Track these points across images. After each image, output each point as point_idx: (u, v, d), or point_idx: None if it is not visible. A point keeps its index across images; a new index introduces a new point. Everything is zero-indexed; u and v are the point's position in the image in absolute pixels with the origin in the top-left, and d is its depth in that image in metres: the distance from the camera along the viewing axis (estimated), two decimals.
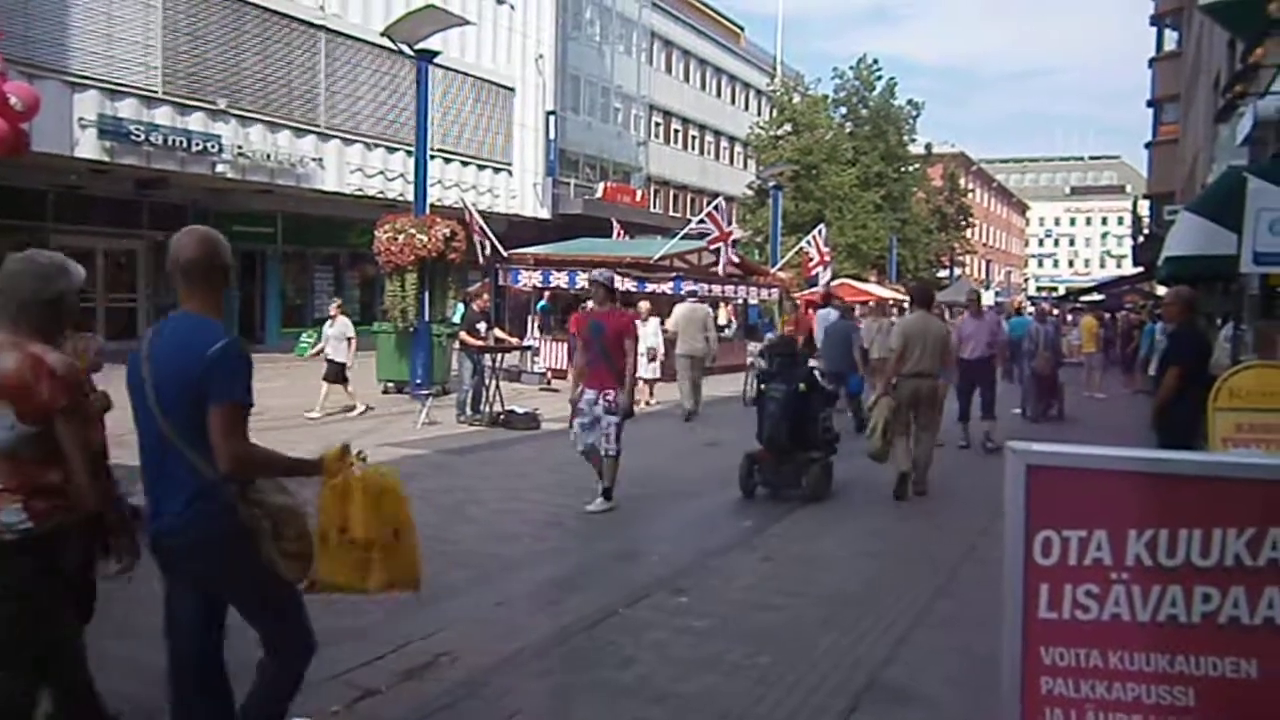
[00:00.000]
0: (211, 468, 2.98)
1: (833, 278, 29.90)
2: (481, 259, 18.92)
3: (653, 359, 15.47)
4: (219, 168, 20.87)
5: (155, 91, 19.62)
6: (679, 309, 16.17)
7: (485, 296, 15.03)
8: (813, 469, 8.77)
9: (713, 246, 20.95)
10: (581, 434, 7.98)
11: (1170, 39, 31.13)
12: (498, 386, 13.36)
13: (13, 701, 3.14)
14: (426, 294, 15.90)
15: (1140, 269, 31.92)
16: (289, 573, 3.13)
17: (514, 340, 15.82)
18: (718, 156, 49.68)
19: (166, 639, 3.24)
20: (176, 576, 3.19)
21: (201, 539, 3.06)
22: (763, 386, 9.08)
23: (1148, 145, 32.14)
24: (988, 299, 44.12)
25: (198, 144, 20.18)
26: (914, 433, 9.01)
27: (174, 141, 19.71)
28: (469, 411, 13.33)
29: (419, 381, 15.27)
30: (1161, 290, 22.04)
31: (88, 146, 18.45)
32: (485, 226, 19.01)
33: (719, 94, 49.59)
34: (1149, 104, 32.03)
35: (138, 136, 19.01)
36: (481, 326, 14.05)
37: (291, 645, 3.27)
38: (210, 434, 2.95)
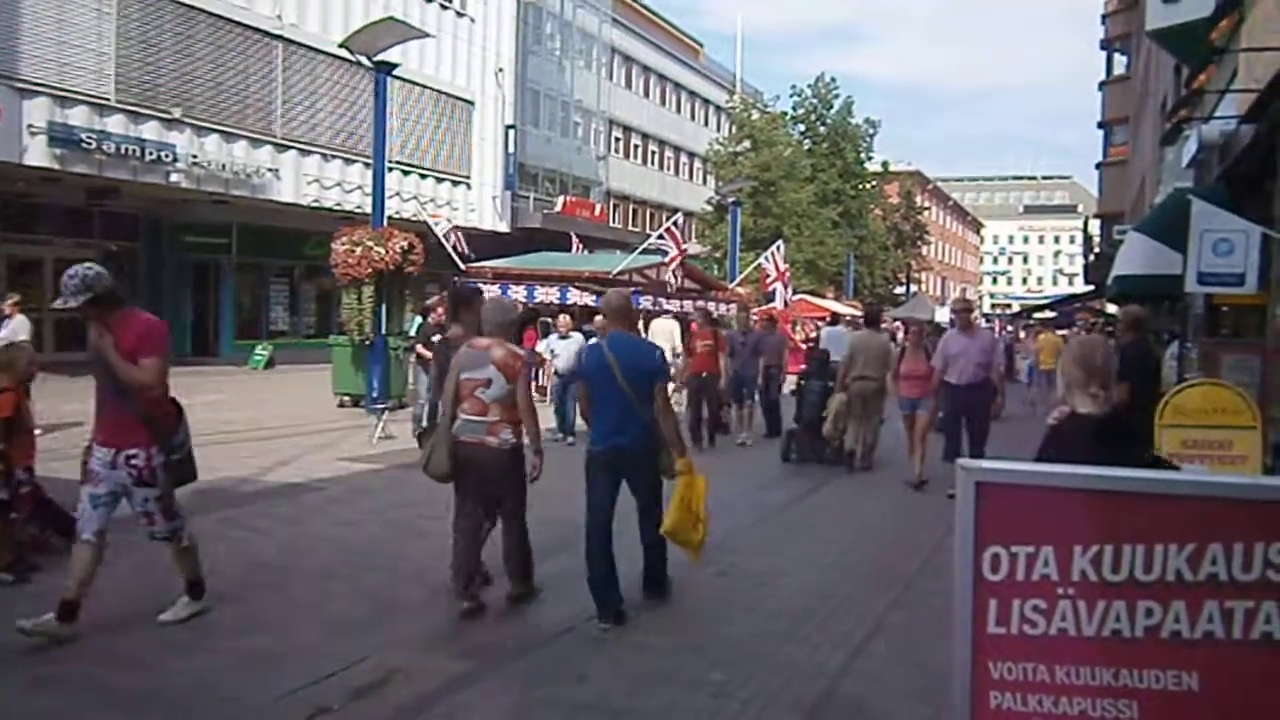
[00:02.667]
0: (648, 413, 5.67)
1: (793, 293, 30.10)
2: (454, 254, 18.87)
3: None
4: (173, 177, 20.58)
5: (108, 99, 19.33)
6: (655, 324, 16.82)
7: (440, 310, 14.78)
8: (833, 442, 11.47)
9: (673, 265, 21.04)
10: (92, 513, 5.06)
11: (1120, 63, 31.84)
12: None
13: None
14: (384, 307, 15.79)
15: (1091, 287, 32.50)
16: (665, 472, 5.88)
17: None
18: (677, 172, 49.92)
19: (590, 511, 5.82)
20: (613, 473, 5.80)
21: (645, 448, 5.75)
22: (802, 383, 12.53)
23: (1098, 166, 32.79)
24: (943, 315, 44.54)
25: (151, 153, 19.90)
26: (863, 420, 11.34)
27: (127, 150, 19.42)
28: (425, 425, 13.19)
29: (375, 395, 15.13)
30: (1112, 308, 22.47)
31: (37, 154, 18.12)
32: (445, 241, 18.97)
33: (679, 110, 49.87)
34: (1099, 126, 32.69)
35: (89, 144, 18.71)
36: (438, 339, 13.86)
37: (656, 512, 5.91)
38: (655, 397, 5.71)
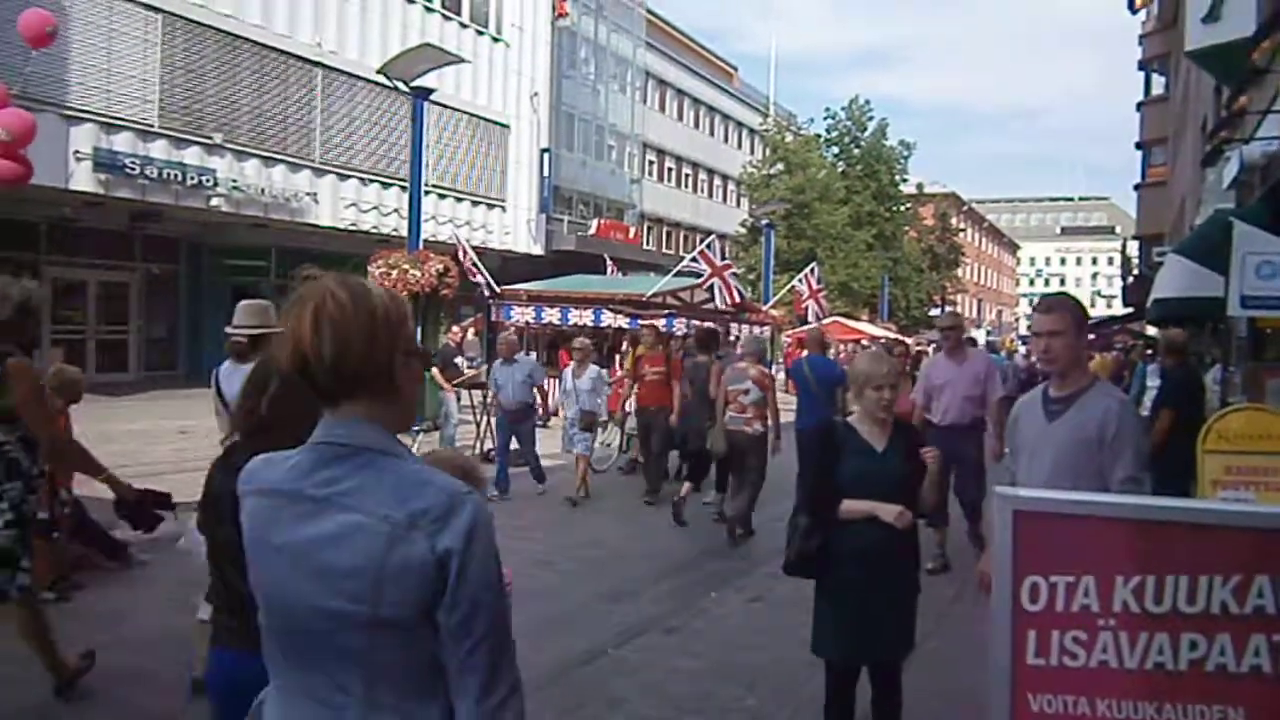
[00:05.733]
0: (830, 408, 8.47)
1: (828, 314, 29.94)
2: (479, 287, 18.89)
3: (588, 427, 10.70)
4: (213, 201, 20.90)
5: (151, 125, 19.69)
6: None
7: (455, 329, 14.64)
8: None
9: (706, 285, 20.90)
10: None
11: (1158, 83, 31.52)
12: (489, 423, 13.30)
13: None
14: (419, 329, 15.90)
15: (1130, 309, 32.10)
16: None
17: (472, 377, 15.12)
18: (711, 194, 49.99)
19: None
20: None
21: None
22: None
23: (1137, 187, 32.40)
24: (978, 336, 43.96)
25: (193, 178, 20.23)
26: None
27: (169, 175, 19.75)
28: (457, 448, 13.24)
29: None
30: (1152, 330, 22.13)
31: (83, 179, 18.48)
32: (478, 262, 19.07)
33: (712, 133, 49.99)
34: (1137, 146, 32.34)
35: (133, 169, 19.05)
36: (460, 361, 13.69)
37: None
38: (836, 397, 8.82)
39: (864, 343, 29.05)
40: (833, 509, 3.67)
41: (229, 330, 5.38)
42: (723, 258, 21.50)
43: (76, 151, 18.28)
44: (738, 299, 21.48)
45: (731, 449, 8.63)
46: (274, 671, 1.71)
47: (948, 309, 54.80)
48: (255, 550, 1.69)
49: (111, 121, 18.95)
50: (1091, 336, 37.54)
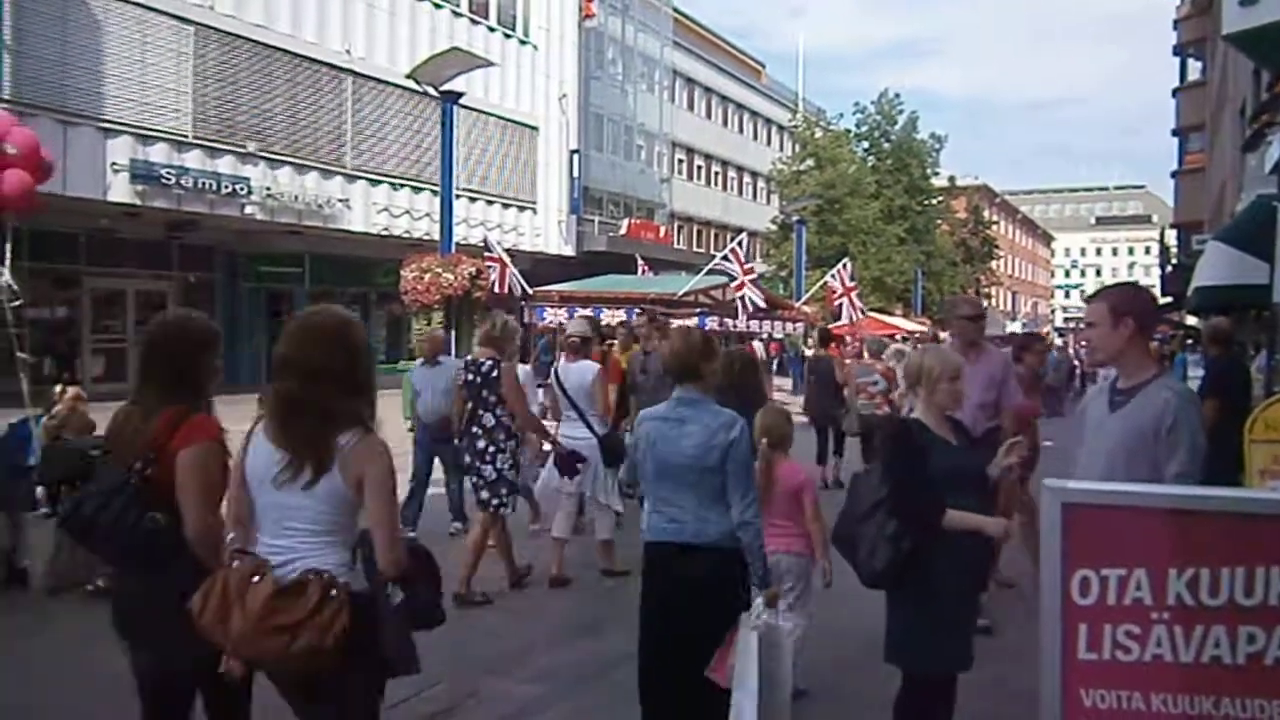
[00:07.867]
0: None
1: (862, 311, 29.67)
2: (501, 289, 18.91)
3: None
4: (248, 209, 21.13)
5: (186, 135, 19.94)
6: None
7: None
8: None
9: (739, 292, 20.77)
10: None
11: (1194, 68, 31.05)
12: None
13: None
14: (453, 332, 15.96)
15: (1169, 299, 31.64)
16: None
17: None
18: (740, 192, 49.86)
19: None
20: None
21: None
22: None
23: (1174, 174, 31.95)
24: (1015, 329, 43.34)
25: (227, 186, 20.47)
26: None
27: (204, 184, 20.00)
28: None
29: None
30: (1192, 320, 21.77)
31: (120, 190, 18.75)
32: (509, 263, 19.11)
33: (741, 130, 49.86)
34: (1174, 133, 31.88)
35: (169, 180, 19.31)
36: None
37: None
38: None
39: (898, 337, 28.84)
40: (930, 511, 3.45)
41: (569, 333, 7.47)
42: (747, 259, 21.38)
43: (113, 163, 18.55)
44: (755, 303, 21.23)
45: (865, 428, 10.52)
46: (650, 493, 3.93)
47: (984, 304, 54.09)
48: (648, 445, 3.81)
49: (147, 133, 19.22)
50: None
